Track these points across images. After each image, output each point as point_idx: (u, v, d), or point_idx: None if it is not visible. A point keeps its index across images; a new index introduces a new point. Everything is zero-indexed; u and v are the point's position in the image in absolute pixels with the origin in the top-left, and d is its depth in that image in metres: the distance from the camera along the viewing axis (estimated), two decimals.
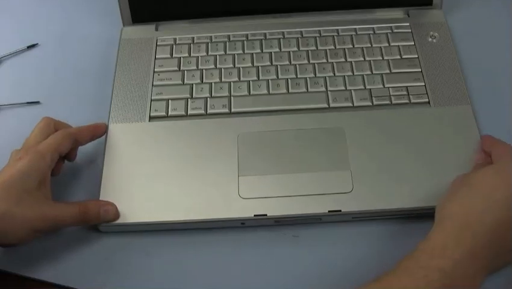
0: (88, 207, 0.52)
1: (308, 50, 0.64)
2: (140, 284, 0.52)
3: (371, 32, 0.65)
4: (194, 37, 0.66)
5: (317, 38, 0.65)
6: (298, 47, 0.65)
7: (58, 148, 0.53)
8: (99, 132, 0.58)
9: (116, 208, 0.53)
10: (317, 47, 0.65)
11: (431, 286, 0.42)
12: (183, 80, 0.63)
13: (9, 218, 0.47)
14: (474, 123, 0.58)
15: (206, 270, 0.52)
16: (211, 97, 0.61)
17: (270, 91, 0.61)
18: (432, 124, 0.58)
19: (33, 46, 0.70)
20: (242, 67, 0.63)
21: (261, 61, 0.64)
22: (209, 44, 0.66)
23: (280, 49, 0.65)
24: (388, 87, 0.61)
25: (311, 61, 0.63)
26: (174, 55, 0.65)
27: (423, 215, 0.51)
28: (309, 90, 0.61)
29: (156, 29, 0.68)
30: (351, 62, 0.63)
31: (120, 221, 0.53)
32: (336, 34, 0.65)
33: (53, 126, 0.55)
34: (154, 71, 0.64)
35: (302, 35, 0.66)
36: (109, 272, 0.52)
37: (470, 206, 0.46)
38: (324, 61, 0.63)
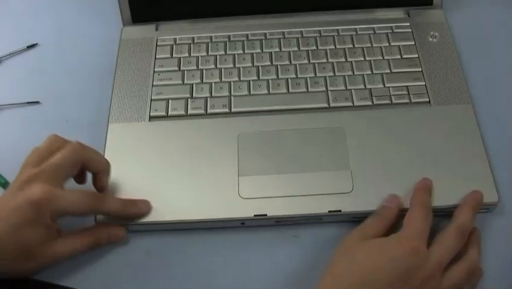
0: (97, 236, 0.52)
1: (308, 50, 0.64)
2: (140, 284, 0.52)
3: (372, 32, 0.65)
4: (194, 37, 0.66)
5: (317, 38, 0.65)
6: (298, 47, 0.65)
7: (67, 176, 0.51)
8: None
9: (125, 231, 0.53)
10: (317, 47, 0.64)
11: None
12: (183, 80, 0.63)
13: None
14: (474, 122, 0.58)
15: (206, 270, 0.52)
16: (211, 97, 0.61)
17: (270, 91, 0.61)
18: (433, 123, 0.58)
19: (33, 46, 0.70)
20: (242, 67, 0.63)
21: (261, 61, 0.64)
22: (210, 44, 0.66)
23: (280, 48, 0.65)
24: (389, 87, 0.61)
25: (311, 61, 0.63)
26: (174, 55, 0.65)
27: None
28: (310, 89, 0.61)
29: (156, 29, 0.68)
30: (351, 62, 0.63)
31: (119, 221, 0.53)
32: (336, 33, 0.65)
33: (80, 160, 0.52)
34: (154, 71, 0.64)
35: (302, 35, 0.66)
36: (109, 272, 0.52)
37: (348, 281, 0.45)
38: (325, 60, 0.63)
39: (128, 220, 0.53)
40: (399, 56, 0.63)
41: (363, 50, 0.64)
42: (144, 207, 0.53)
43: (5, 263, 0.48)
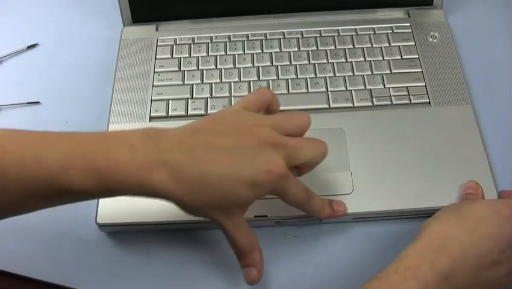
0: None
1: (308, 51, 0.64)
2: (140, 284, 0.52)
3: (372, 32, 0.65)
4: (194, 37, 0.66)
5: (318, 38, 0.65)
6: (298, 48, 0.65)
7: None
8: None
9: (259, 271, 0.48)
10: (317, 47, 0.64)
11: None
12: (183, 80, 0.63)
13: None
14: (475, 122, 0.58)
15: (206, 271, 0.52)
16: (212, 97, 0.61)
17: None
18: (433, 124, 0.58)
19: (33, 46, 0.70)
20: (242, 68, 0.63)
21: (261, 61, 0.64)
22: (210, 44, 0.65)
23: (280, 49, 0.65)
24: (389, 87, 0.61)
25: (312, 61, 0.63)
26: (174, 55, 0.65)
27: (423, 216, 0.51)
28: (310, 90, 0.61)
29: (157, 29, 0.68)
30: (351, 62, 0.63)
31: (120, 221, 0.53)
32: (336, 34, 0.65)
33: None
34: (154, 72, 0.64)
35: (302, 35, 0.66)
36: (109, 272, 0.52)
37: (452, 233, 0.45)
38: (325, 61, 0.63)
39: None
40: (399, 57, 0.63)
41: (363, 50, 0.64)
42: (343, 209, 0.52)
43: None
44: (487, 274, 0.44)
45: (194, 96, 0.61)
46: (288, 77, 0.62)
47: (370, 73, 0.62)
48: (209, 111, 0.60)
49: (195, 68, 0.64)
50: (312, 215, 0.51)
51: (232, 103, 0.60)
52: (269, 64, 0.63)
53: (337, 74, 0.62)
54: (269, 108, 0.49)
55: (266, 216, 0.53)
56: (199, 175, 0.42)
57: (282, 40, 0.65)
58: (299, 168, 0.48)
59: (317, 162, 0.48)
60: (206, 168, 0.42)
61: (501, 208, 0.46)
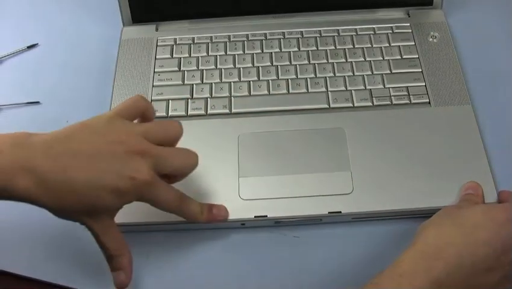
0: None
1: (308, 51, 0.64)
2: (140, 284, 0.52)
3: (372, 32, 0.65)
4: (194, 37, 0.66)
5: (318, 38, 0.65)
6: (298, 48, 0.65)
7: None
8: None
9: (127, 275, 0.49)
10: (317, 47, 0.64)
11: None
12: (183, 80, 0.63)
13: None
14: (474, 122, 0.58)
15: (206, 271, 0.52)
16: (212, 97, 0.61)
17: (271, 92, 0.61)
18: (433, 124, 0.58)
19: (33, 46, 0.70)
20: (242, 68, 0.63)
21: (261, 61, 0.64)
22: (210, 44, 0.65)
23: (280, 49, 0.65)
24: (389, 87, 0.61)
25: (312, 61, 0.63)
26: (174, 55, 0.65)
27: (423, 216, 0.51)
28: (310, 90, 0.61)
29: (157, 29, 0.68)
30: (351, 62, 0.63)
31: (120, 221, 0.53)
32: (336, 34, 0.65)
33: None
34: (154, 72, 0.64)
35: (302, 35, 0.66)
36: (109, 272, 0.52)
37: (448, 238, 0.45)
38: (325, 61, 0.63)
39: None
40: (399, 57, 0.63)
41: (363, 50, 0.64)
42: (223, 214, 0.52)
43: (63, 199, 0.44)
44: (482, 280, 0.44)
45: (194, 96, 0.61)
46: (288, 77, 0.62)
47: (370, 73, 0.62)
48: (209, 111, 0.60)
49: (195, 68, 0.64)
50: (192, 221, 0.51)
51: (233, 103, 0.60)
52: (269, 64, 0.63)
53: (337, 74, 0.62)
54: (144, 116, 0.49)
55: (266, 216, 0.53)
56: (63, 182, 0.43)
57: (282, 40, 0.65)
58: (169, 177, 0.48)
59: (187, 172, 0.49)
60: (71, 175, 0.43)
61: (497, 214, 0.46)
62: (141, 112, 0.49)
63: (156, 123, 0.49)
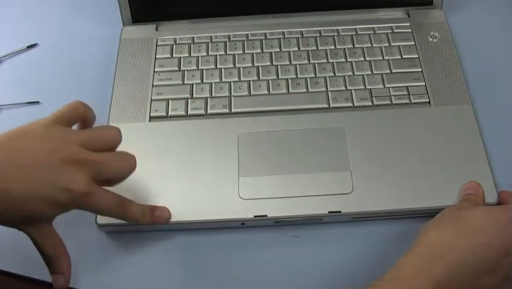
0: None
1: (308, 50, 0.64)
2: (140, 284, 0.52)
3: (372, 32, 0.65)
4: (194, 37, 0.66)
5: (318, 38, 0.65)
6: (298, 47, 0.65)
7: None
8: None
9: (66, 278, 0.49)
10: (317, 47, 0.64)
11: None
12: (183, 80, 0.63)
13: None
14: (474, 122, 0.58)
15: (206, 271, 0.52)
16: (211, 97, 0.61)
17: (271, 91, 0.61)
18: (433, 124, 0.58)
19: (33, 46, 0.70)
20: (242, 67, 0.63)
21: (261, 61, 0.64)
22: (210, 44, 0.65)
23: (280, 49, 0.65)
24: (389, 87, 0.61)
25: (311, 61, 0.63)
26: (174, 55, 0.65)
27: (423, 216, 0.51)
28: (310, 90, 0.61)
29: (156, 29, 0.68)
30: (351, 62, 0.63)
31: (120, 221, 0.53)
32: (336, 33, 0.65)
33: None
34: (154, 71, 0.64)
35: (302, 35, 0.66)
36: (109, 272, 0.52)
37: (449, 241, 0.45)
38: (325, 61, 0.63)
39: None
40: (399, 57, 0.63)
41: (363, 50, 0.64)
42: (165, 215, 0.53)
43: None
44: (483, 281, 0.44)
45: (194, 96, 0.61)
46: (288, 77, 0.62)
47: (370, 72, 0.62)
48: (209, 111, 0.60)
49: (195, 68, 0.64)
50: (134, 223, 0.52)
51: (232, 103, 0.60)
52: (269, 63, 0.63)
53: (337, 74, 0.62)
54: (84, 122, 0.49)
55: (266, 216, 0.53)
56: (0, 191, 0.43)
57: (282, 39, 0.65)
58: (108, 181, 0.49)
59: (125, 176, 0.49)
60: (7, 186, 0.43)
61: (498, 215, 0.46)
62: (80, 119, 0.49)
63: (94, 130, 0.49)
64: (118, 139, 0.49)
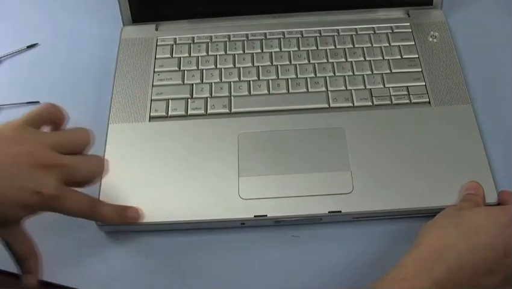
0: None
1: (308, 50, 0.64)
2: (140, 284, 0.52)
3: (372, 32, 0.65)
4: (194, 37, 0.66)
5: (317, 38, 0.65)
6: (298, 47, 0.65)
7: None
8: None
9: (36, 277, 0.49)
10: (317, 47, 0.64)
11: None
12: (183, 80, 0.63)
13: None
14: (474, 122, 0.58)
15: (206, 271, 0.52)
16: (211, 97, 0.61)
17: (271, 91, 0.61)
18: (433, 124, 0.58)
19: (33, 46, 0.70)
20: (242, 67, 0.63)
21: (261, 61, 0.64)
22: (210, 44, 0.65)
23: (280, 48, 0.65)
24: (389, 87, 0.61)
25: (311, 61, 0.63)
26: (174, 55, 0.65)
27: (423, 216, 0.51)
28: (310, 89, 0.61)
29: (156, 29, 0.68)
30: (351, 62, 0.63)
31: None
32: (336, 33, 0.65)
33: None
34: (154, 71, 0.64)
35: (302, 35, 0.66)
36: (109, 272, 0.52)
37: (450, 241, 0.45)
38: (325, 60, 0.63)
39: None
40: (399, 57, 0.63)
41: (363, 50, 0.64)
42: (136, 216, 0.53)
43: None
44: (484, 282, 0.44)
45: (194, 96, 0.61)
46: (288, 77, 0.62)
47: (370, 72, 0.62)
48: (209, 111, 0.60)
49: (195, 68, 0.64)
50: (106, 223, 0.52)
51: (232, 103, 0.60)
52: (269, 63, 0.63)
53: (337, 74, 0.62)
54: (56, 124, 0.49)
55: (266, 215, 0.53)
56: None
57: (282, 39, 0.65)
58: (79, 183, 0.49)
59: (94, 178, 0.49)
60: None
61: (499, 216, 0.46)
62: (51, 120, 0.49)
63: (64, 132, 0.49)
64: (88, 141, 0.49)
